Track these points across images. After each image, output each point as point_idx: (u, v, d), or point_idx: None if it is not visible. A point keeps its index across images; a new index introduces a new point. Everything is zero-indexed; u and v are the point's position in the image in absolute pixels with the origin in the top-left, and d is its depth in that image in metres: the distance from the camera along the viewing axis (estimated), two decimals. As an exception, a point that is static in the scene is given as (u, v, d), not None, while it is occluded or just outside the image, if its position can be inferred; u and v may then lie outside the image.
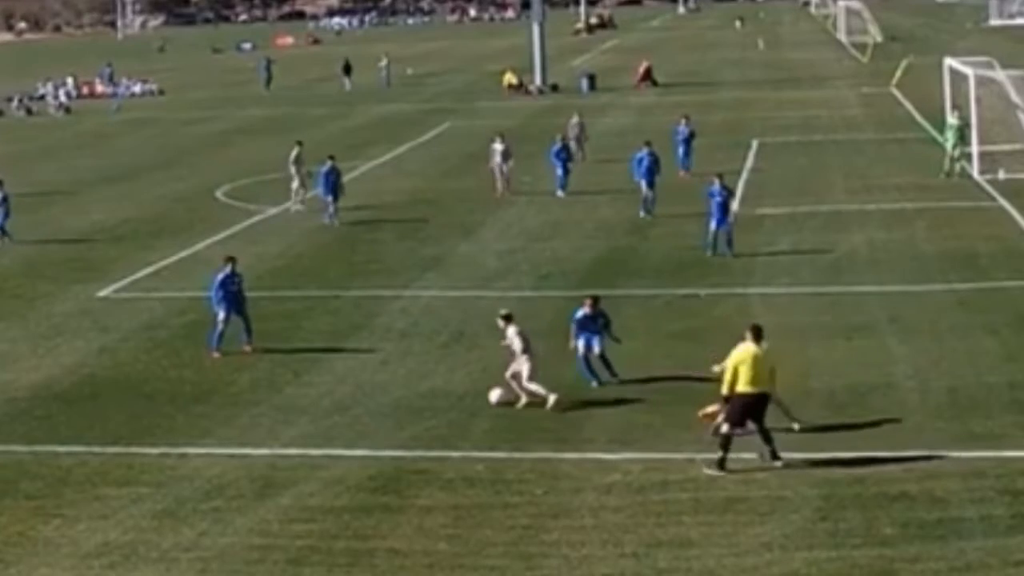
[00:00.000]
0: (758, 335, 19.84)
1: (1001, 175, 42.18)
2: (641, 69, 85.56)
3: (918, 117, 58.76)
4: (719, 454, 19.49)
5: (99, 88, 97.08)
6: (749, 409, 19.58)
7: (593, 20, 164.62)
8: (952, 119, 44.39)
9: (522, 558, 16.93)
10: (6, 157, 61.06)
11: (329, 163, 39.82)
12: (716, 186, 33.90)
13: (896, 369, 24.06)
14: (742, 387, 19.55)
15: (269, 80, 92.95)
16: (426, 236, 37.77)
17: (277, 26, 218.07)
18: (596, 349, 23.90)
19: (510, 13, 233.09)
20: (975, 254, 32.84)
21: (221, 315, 26.62)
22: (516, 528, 17.83)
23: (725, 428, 19.63)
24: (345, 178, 41.80)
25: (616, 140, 57.80)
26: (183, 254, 36.68)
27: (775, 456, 19.69)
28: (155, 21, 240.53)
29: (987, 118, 44.34)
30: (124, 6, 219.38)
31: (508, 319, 23.64)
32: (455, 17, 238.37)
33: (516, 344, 23.11)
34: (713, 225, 33.60)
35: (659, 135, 57.28)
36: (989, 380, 23.15)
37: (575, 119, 50.83)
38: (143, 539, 17.94)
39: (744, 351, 19.72)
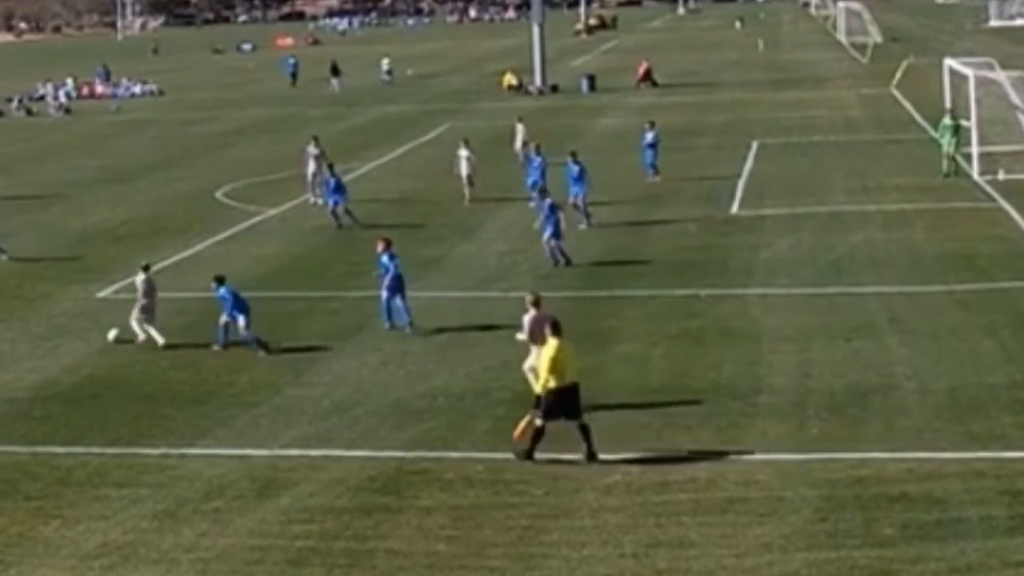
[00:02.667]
0: (557, 328, 20.09)
1: (1001, 176, 42.20)
2: (641, 70, 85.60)
3: (918, 118, 58.75)
4: (527, 445, 19.85)
5: (99, 89, 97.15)
6: (563, 401, 19.82)
7: (592, 21, 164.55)
8: (946, 120, 44.53)
9: (522, 559, 16.93)
10: (7, 158, 61.19)
11: (331, 175, 40.00)
12: (545, 201, 33.94)
13: (896, 370, 24.06)
14: (556, 382, 19.78)
15: (295, 77, 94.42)
16: (426, 236, 37.77)
17: (277, 27, 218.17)
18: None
19: (510, 14, 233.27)
20: (975, 255, 32.84)
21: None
22: (516, 529, 17.84)
23: (539, 422, 19.86)
24: (345, 179, 41.90)
25: (616, 141, 57.86)
26: (183, 255, 36.70)
27: (592, 455, 19.87)
28: (155, 22, 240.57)
29: (987, 119, 44.36)
30: (124, 7, 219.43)
31: (146, 269, 28.69)
32: (455, 18, 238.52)
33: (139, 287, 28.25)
34: (547, 235, 33.36)
35: (660, 136, 57.42)
36: (989, 381, 23.14)
37: (521, 127, 49.99)
38: (143, 540, 17.94)
39: (553, 347, 19.91)
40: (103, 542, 17.89)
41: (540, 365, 20.04)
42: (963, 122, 44.29)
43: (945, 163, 44.02)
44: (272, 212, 42.75)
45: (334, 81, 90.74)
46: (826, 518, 17.70)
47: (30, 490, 19.87)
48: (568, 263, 33.14)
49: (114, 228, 41.65)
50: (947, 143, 43.86)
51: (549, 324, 20.35)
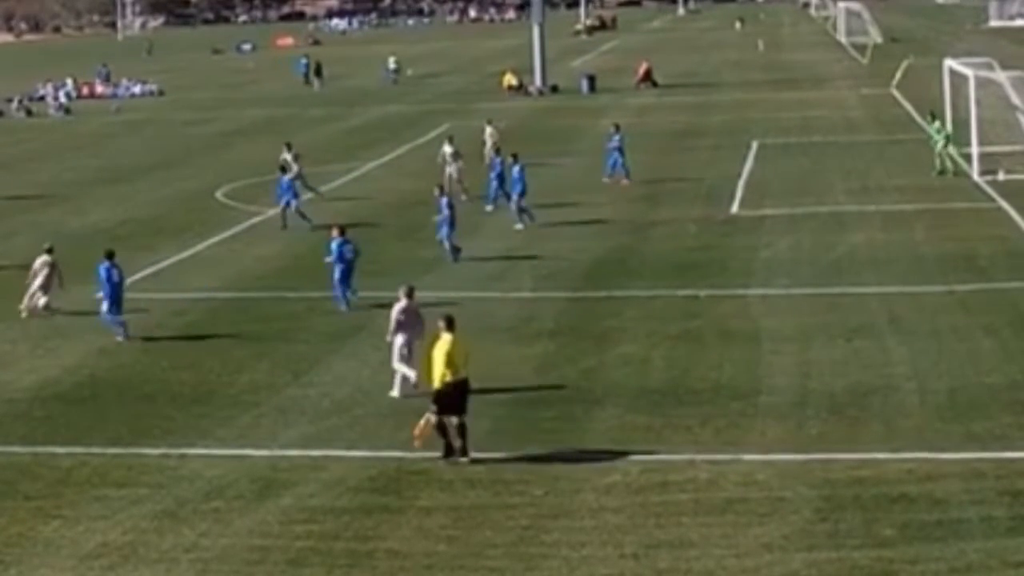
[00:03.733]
0: (450, 324, 20.63)
1: (1001, 176, 42.25)
2: (641, 70, 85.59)
3: (918, 118, 58.71)
4: (443, 442, 20.28)
5: (99, 89, 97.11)
6: (455, 395, 20.24)
7: (589, 21, 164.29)
8: (936, 124, 45.01)
9: (522, 559, 16.92)
10: (7, 158, 61.18)
11: (281, 174, 40.84)
12: (443, 199, 34.74)
13: (896, 370, 24.05)
14: (457, 376, 20.25)
15: (307, 76, 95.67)
16: (426, 237, 37.71)
17: (277, 27, 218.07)
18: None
19: (510, 14, 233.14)
20: (975, 255, 32.84)
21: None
22: (516, 529, 17.83)
23: (433, 418, 20.27)
24: (345, 179, 42.01)
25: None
26: (183, 255, 36.69)
27: (464, 452, 20.28)
28: (155, 22, 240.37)
29: (987, 119, 44.40)
30: (124, 7, 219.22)
31: (49, 251, 31.01)
32: (455, 18, 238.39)
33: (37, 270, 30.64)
34: (443, 232, 34.38)
35: (658, 136, 57.44)
36: (989, 381, 23.14)
37: (491, 129, 50.18)
38: (143, 540, 17.93)
39: (448, 341, 20.38)
40: (103, 542, 17.88)
41: (436, 360, 20.39)
42: (940, 128, 44.71)
43: (937, 161, 44.27)
44: (272, 212, 42.71)
45: (316, 81, 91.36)
46: (826, 518, 17.70)
47: (30, 490, 19.87)
48: (457, 257, 34.14)
49: (114, 228, 41.60)
50: (940, 144, 44.15)
51: (443, 319, 20.83)
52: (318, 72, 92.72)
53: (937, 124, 45.15)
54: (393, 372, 23.74)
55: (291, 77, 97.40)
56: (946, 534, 17.10)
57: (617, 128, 46.57)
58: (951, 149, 44.29)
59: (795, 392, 22.96)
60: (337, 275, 29.89)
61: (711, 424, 21.53)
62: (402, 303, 23.86)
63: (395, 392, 23.43)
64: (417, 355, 23.34)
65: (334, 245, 29.96)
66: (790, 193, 42.39)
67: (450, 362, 20.20)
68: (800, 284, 30.70)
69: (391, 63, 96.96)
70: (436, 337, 20.72)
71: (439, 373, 20.25)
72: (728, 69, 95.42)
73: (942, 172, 43.92)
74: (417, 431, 20.51)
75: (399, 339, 23.72)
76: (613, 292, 30.78)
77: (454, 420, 20.28)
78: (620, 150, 45.74)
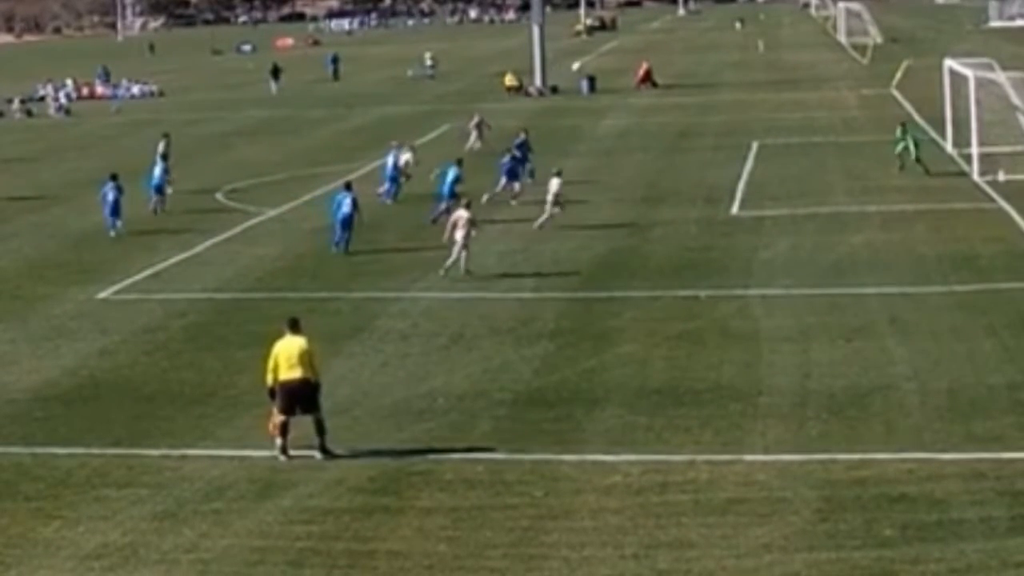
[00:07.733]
0: (295, 326, 21.04)
1: (1001, 177, 42.23)
2: (641, 71, 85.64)
3: (918, 119, 58.70)
4: (279, 441, 20.53)
5: (99, 90, 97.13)
6: (294, 395, 20.55)
7: (589, 21, 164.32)
8: (909, 134, 45.72)
9: (522, 560, 16.92)
10: (7, 158, 61.17)
11: (162, 164, 43.79)
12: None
13: (896, 370, 24.05)
14: (283, 376, 20.55)
15: (336, 72, 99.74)
16: (426, 237, 37.72)
17: (277, 28, 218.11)
18: None
19: (510, 15, 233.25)
20: (975, 255, 32.84)
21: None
22: (516, 530, 17.83)
23: (280, 418, 20.59)
24: (347, 178, 42.04)
25: (617, 142, 57.94)
26: (183, 256, 36.67)
27: (324, 451, 20.65)
28: (155, 23, 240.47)
29: (987, 120, 44.40)
30: (124, 8, 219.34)
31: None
32: (455, 19, 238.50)
33: None
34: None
35: (658, 137, 57.46)
36: (989, 381, 23.13)
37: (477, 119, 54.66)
38: (143, 541, 17.93)
39: (283, 342, 20.80)
40: (103, 543, 17.88)
41: (270, 359, 20.89)
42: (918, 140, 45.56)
43: (899, 161, 44.79)
44: (272, 213, 42.75)
45: (273, 84, 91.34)
46: (826, 519, 17.70)
47: (30, 491, 19.86)
48: None
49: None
50: (903, 145, 44.81)
51: (288, 321, 21.27)
52: (276, 75, 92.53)
53: (910, 137, 45.70)
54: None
55: (291, 78, 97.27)
56: (946, 534, 17.10)
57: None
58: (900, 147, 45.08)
59: (795, 392, 22.96)
60: (338, 225, 35.70)
61: (711, 424, 21.53)
62: (460, 212, 32.80)
63: (462, 269, 32.19)
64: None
65: (338, 196, 36.34)
66: (790, 194, 42.39)
67: (276, 363, 20.61)
68: (800, 284, 30.70)
69: (427, 59, 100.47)
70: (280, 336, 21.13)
71: (270, 372, 20.73)
72: (728, 70, 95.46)
73: (903, 168, 44.55)
74: (271, 427, 20.83)
75: (458, 235, 32.06)
76: (613, 292, 30.78)
77: (308, 417, 20.62)
78: (524, 153, 45.87)
